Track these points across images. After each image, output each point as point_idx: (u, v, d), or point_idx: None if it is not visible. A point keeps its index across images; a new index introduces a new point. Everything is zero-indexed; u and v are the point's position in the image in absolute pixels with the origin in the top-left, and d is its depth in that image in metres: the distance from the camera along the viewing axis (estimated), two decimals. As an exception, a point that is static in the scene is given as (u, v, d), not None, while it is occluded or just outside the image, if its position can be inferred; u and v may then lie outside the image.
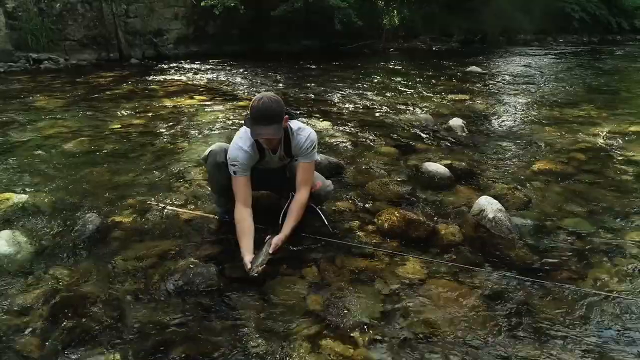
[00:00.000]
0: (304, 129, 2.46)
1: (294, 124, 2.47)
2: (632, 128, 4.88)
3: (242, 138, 2.40)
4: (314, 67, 10.01)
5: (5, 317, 1.89)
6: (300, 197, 2.43)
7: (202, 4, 11.01)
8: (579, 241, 2.55)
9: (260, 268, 2.10)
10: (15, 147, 4.13)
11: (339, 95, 6.81)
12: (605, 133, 4.71)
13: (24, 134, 4.54)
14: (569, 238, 2.59)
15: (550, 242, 2.54)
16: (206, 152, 2.59)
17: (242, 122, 2.38)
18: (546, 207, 2.99)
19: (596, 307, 2.01)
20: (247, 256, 2.17)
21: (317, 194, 2.62)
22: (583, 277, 2.24)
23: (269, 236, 2.25)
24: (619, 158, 3.98)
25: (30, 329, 1.82)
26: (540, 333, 1.85)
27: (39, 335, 1.79)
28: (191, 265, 2.15)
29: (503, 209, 2.67)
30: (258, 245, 2.25)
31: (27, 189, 3.12)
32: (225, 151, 2.46)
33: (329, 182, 2.75)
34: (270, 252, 2.20)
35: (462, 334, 1.84)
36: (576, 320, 1.93)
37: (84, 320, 1.88)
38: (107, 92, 6.84)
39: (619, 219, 2.84)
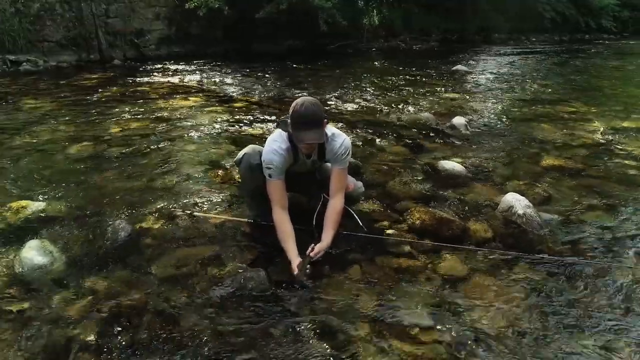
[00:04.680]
0: (339, 135, 2.45)
1: (328, 129, 2.46)
2: (625, 124, 5.08)
3: (277, 141, 2.38)
4: (301, 67, 10.00)
5: (54, 330, 1.81)
6: (336, 204, 2.42)
7: (186, 6, 10.85)
8: (608, 233, 2.64)
9: (306, 278, 2.11)
10: (16, 153, 3.95)
11: (333, 95, 6.82)
12: (600, 129, 4.88)
13: (21, 139, 4.37)
14: (597, 231, 2.68)
15: (581, 236, 2.62)
16: (240, 155, 2.55)
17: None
18: (565, 201, 3.08)
19: None
20: (295, 260, 2.16)
21: (350, 195, 2.62)
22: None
23: (312, 245, 2.25)
24: (620, 153, 4.13)
25: (82, 343, 1.75)
26: (597, 324, 1.91)
27: (92, 349, 1.73)
28: (240, 270, 2.12)
29: (531, 205, 2.73)
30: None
31: (42, 196, 3.00)
32: (259, 154, 2.43)
33: (360, 183, 2.76)
34: (313, 258, 2.21)
35: (520, 327, 1.87)
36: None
37: (137, 330, 1.83)
38: (96, 95, 6.65)
39: (637, 211, 2.95)
